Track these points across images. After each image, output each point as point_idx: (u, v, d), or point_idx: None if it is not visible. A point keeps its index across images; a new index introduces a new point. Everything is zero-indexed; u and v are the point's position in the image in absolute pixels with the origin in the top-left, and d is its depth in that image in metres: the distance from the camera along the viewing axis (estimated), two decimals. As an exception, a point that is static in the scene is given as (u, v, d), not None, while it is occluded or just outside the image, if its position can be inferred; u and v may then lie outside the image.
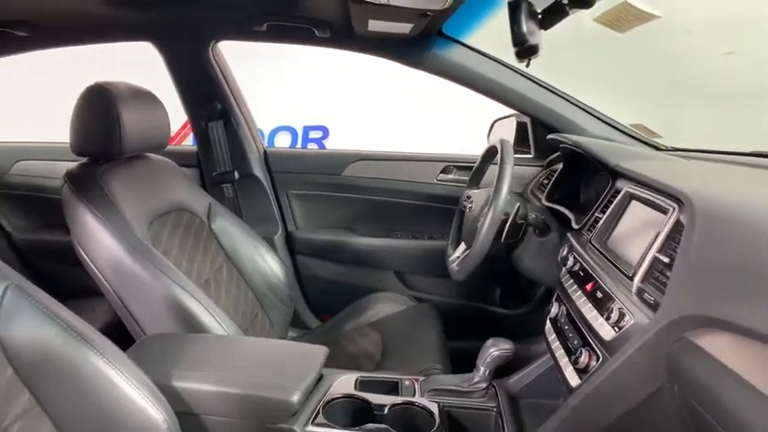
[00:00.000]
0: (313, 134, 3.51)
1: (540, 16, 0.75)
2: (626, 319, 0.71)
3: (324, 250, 1.80)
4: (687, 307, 0.61)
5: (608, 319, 0.75)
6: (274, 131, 3.40)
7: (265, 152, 1.79)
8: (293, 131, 3.47)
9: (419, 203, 1.72)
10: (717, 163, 1.11)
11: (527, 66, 0.92)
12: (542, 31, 0.75)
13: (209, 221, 1.42)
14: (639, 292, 0.72)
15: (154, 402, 0.75)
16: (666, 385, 0.64)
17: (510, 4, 0.72)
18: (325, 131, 3.49)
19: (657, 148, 1.40)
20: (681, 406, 0.61)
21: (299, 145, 3.40)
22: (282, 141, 3.38)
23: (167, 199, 1.32)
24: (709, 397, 0.54)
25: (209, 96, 1.65)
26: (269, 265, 1.49)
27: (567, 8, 0.72)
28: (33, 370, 0.70)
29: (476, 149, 1.43)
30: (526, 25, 0.72)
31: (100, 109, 1.16)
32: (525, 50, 0.75)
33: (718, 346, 0.55)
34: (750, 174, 0.97)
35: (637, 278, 0.73)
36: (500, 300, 1.70)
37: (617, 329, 0.72)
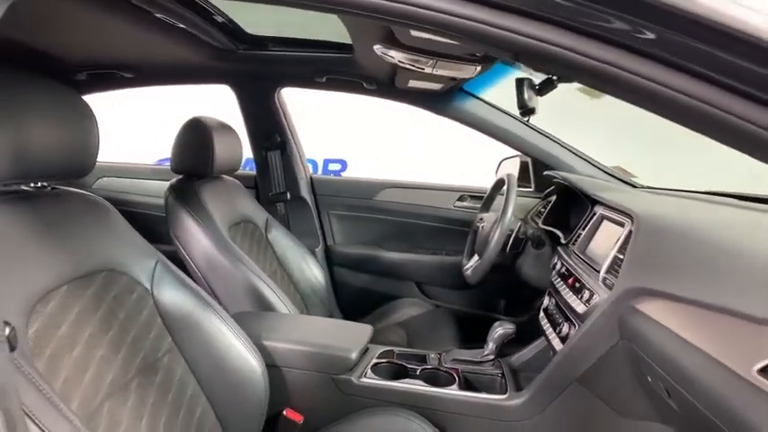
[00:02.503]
0: (332, 166, 3.82)
1: (536, 87, 1.09)
2: (593, 297, 1.00)
3: (357, 262, 2.06)
4: (631, 283, 0.89)
5: (581, 299, 1.05)
6: (296, 162, 3.74)
7: (311, 178, 2.08)
8: (314, 163, 3.78)
9: (438, 225, 2.00)
10: (671, 197, 1.41)
11: (527, 121, 1.26)
12: (539, 97, 1.09)
13: (266, 232, 1.72)
14: (604, 280, 1.00)
15: (253, 353, 1.02)
16: (620, 341, 0.93)
17: (517, 80, 1.07)
18: (344, 164, 3.83)
19: (633, 186, 1.69)
20: (629, 353, 0.90)
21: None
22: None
23: (239, 211, 1.62)
24: (645, 342, 0.80)
25: (270, 131, 1.95)
26: (312, 272, 1.77)
27: (555, 82, 1.06)
28: (173, 321, 0.96)
29: (481, 182, 1.71)
30: (527, 94, 1.05)
31: (198, 137, 1.45)
32: (527, 111, 1.08)
33: (650, 307, 0.83)
34: (694, 204, 1.27)
35: (602, 271, 1.01)
36: (504, 309, 1.96)
37: (587, 305, 1.01)
